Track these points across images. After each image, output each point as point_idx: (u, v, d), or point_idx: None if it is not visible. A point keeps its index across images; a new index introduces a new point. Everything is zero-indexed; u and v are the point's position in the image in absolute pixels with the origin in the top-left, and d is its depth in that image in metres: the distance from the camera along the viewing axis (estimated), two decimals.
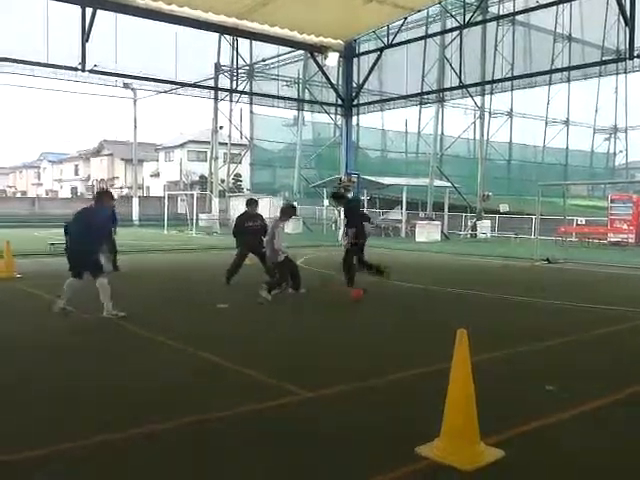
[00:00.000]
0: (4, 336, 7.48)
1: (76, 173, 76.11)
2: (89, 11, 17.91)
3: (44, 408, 4.91)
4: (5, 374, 5.87)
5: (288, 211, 10.91)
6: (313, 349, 7.05)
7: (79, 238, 8.48)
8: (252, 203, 12.24)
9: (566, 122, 47.26)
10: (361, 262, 11.35)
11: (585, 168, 48.96)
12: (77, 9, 17.85)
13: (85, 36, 18.05)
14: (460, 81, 22.41)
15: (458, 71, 21.98)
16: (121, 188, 64.00)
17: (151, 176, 64.84)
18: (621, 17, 18.02)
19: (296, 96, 34.71)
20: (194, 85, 24.87)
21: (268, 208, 36.86)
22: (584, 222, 28.83)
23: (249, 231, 11.61)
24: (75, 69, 18.58)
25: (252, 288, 10.25)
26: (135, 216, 41.10)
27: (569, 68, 25.88)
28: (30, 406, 4.95)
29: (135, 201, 42.84)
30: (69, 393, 5.30)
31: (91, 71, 19.05)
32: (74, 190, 73.44)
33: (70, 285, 8.57)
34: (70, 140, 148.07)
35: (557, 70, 26.52)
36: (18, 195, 73.41)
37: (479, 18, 23.07)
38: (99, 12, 18.13)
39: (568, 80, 26.90)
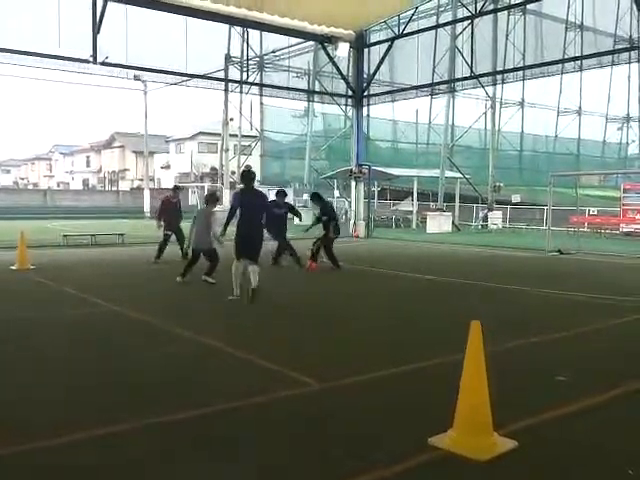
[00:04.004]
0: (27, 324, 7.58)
1: (87, 165, 76.35)
2: (100, 3, 17.98)
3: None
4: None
5: (212, 198, 11.43)
6: (316, 340, 7.09)
7: None
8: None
9: (578, 111, 46.83)
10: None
11: (597, 158, 48.55)
12: (88, 1, 17.93)
13: (96, 28, 18.12)
14: (471, 71, 22.32)
15: (469, 61, 21.87)
16: (132, 180, 64.19)
17: (162, 168, 64.96)
18: (634, 5, 17.88)
19: (306, 87, 34.67)
20: (204, 77, 24.81)
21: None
22: (596, 212, 28.61)
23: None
24: (87, 61, 18.66)
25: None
26: (147, 208, 41.26)
27: (581, 57, 25.56)
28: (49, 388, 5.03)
29: (146, 193, 42.99)
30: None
31: (102, 63, 19.10)
32: (85, 182, 73.77)
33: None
34: (81, 132, 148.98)
35: (569, 59, 26.15)
36: (30, 187, 73.89)
37: (490, 7, 22.91)
38: (109, 4, 18.19)
39: (580, 69, 26.55)
